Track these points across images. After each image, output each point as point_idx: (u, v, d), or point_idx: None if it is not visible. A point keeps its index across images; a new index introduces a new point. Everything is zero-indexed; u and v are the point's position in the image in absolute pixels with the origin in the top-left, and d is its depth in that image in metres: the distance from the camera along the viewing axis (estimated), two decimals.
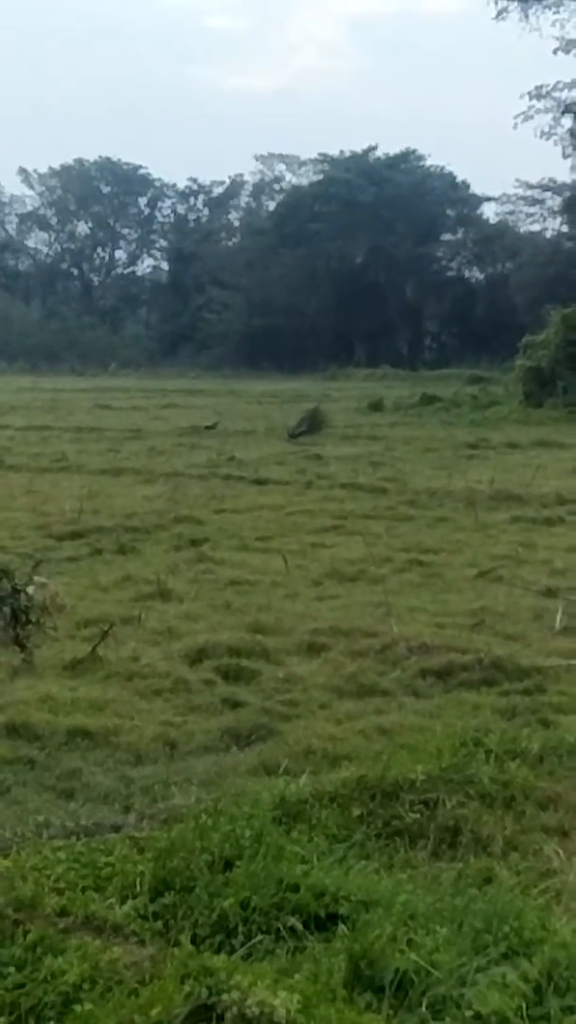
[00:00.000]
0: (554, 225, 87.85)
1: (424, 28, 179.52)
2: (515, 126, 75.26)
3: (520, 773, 7.19)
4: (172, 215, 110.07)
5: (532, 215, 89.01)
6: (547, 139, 69.35)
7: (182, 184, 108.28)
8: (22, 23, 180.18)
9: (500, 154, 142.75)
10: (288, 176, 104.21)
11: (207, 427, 34.63)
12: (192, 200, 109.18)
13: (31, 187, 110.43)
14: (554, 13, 58.58)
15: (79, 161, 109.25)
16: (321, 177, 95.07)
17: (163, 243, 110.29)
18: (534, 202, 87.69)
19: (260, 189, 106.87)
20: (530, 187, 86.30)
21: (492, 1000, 4.66)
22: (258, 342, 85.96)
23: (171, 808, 6.92)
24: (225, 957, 4.89)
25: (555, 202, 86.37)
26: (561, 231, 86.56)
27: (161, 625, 11.80)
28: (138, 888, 5.54)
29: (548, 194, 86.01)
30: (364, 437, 33.45)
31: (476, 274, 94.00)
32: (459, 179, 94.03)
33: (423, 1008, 4.67)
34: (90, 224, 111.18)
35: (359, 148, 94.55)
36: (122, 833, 6.37)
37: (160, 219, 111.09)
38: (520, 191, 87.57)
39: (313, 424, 33.90)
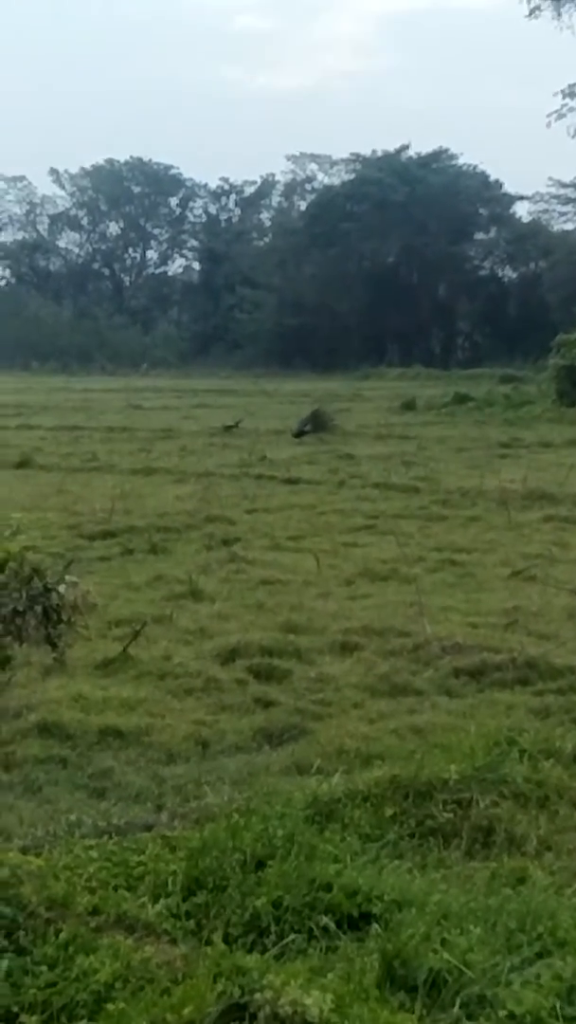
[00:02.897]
0: None
1: (456, 26, 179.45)
2: (548, 124, 74.49)
3: (554, 773, 7.15)
4: (203, 215, 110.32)
5: (565, 214, 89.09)
6: None
7: (213, 184, 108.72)
8: (51, 24, 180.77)
9: (533, 153, 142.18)
10: (320, 176, 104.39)
11: (227, 427, 34.61)
12: (223, 200, 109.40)
13: (62, 187, 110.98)
14: None
15: (110, 161, 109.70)
16: (353, 177, 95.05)
17: (194, 243, 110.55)
18: (567, 201, 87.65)
19: (292, 189, 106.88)
20: (563, 186, 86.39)
21: (526, 1000, 4.64)
22: (290, 342, 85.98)
23: (203, 807, 6.91)
24: (258, 956, 4.88)
25: None
26: None
27: (193, 624, 11.80)
28: (170, 887, 5.54)
29: None
30: (396, 436, 33.40)
31: (509, 273, 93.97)
32: (492, 178, 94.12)
33: (456, 1008, 4.66)
34: (121, 224, 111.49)
35: (391, 147, 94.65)
36: (154, 832, 6.37)
37: (191, 219, 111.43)
38: (553, 190, 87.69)
39: (317, 423, 33.95)
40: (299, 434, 32.93)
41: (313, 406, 37.07)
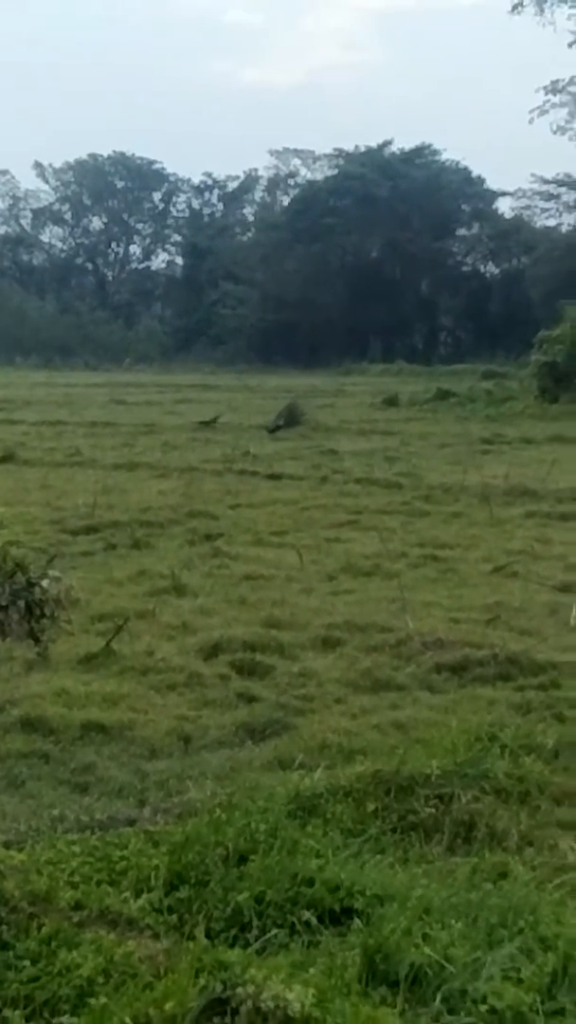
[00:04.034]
0: (569, 220, 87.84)
1: (441, 22, 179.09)
2: (531, 121, 74.71)
3: (535, 768, 7.19)
4: (187, 210, 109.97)
5: (547, 210, 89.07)
6: (562, 134, 69.17)
7: (197, 179, 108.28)
8: (38, 17, 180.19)
9: (516, 149, 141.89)
10: (303, 171, 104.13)
11: (203, 422, 34.55)
12: (207, 195, 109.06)
13: (46, 181, 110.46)
14: (569, 7, 58.54)
15: (93, 156, 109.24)
16: (336, 172, 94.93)
17: (177, 238, 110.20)
18: (549, 197, 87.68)
19: (275, 184, 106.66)
20: (545, 182, 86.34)
21: (507, 994, 4.66)
22: (272, 337, 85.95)
23: (186, 802, 6.92)
24: (240, 951, 4.89)
25: (570, 197, 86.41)
26: None
27: (176, 620, 11.81)
28: (153, 882, 5.55)
29: (563, 189, 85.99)
30: (379, 432, 33.43)
31: (491, 269, 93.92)
32: (474, 174, 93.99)
33: (438, 1002, 4.67)
34: (104, 219, 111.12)
35: (374, 143, 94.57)
36: (137, 827, 6.38)
37: (175, 214, 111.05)
38: (535, 186, 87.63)
39: (290, 418, 33.90)
40: (273, 430, 32.87)
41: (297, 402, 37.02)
